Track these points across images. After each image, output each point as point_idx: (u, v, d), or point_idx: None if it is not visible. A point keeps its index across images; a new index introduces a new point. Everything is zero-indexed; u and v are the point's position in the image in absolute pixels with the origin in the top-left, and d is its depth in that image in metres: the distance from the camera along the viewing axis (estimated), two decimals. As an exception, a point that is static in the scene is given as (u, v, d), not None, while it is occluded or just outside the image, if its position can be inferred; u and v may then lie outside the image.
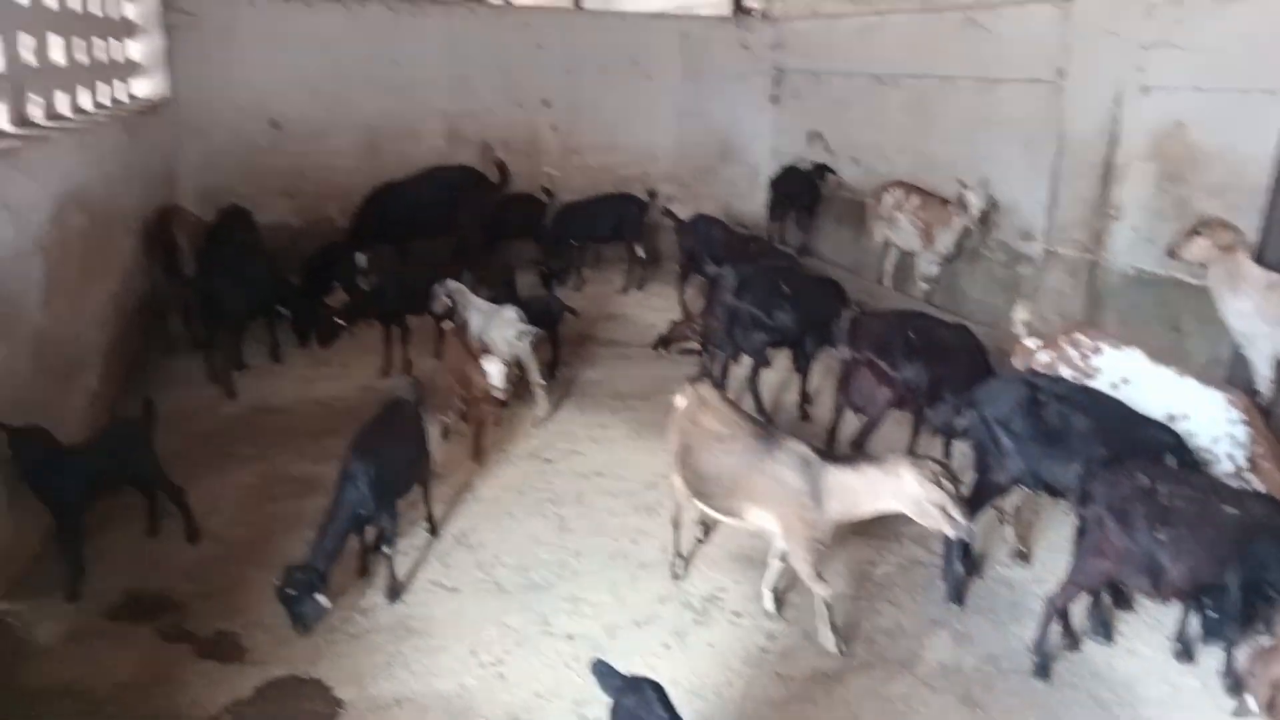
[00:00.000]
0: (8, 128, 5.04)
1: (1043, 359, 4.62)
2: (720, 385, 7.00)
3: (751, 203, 11.59)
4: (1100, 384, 4.43)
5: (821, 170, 9.60)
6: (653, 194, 10.08)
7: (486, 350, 5.77)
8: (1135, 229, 6.42)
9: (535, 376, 6.33)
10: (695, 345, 7.92)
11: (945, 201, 7.82)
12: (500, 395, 5.46)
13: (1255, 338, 4.93)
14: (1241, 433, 4.17)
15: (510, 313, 6.27)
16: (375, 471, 4.06)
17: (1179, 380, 4.33)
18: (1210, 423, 4.22)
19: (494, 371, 5.39)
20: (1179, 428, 4.23)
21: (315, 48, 9.52)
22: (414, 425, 4.65)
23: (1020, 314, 5.05)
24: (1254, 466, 4.17)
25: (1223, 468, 4.21)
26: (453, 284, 6.76)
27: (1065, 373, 4.50)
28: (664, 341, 8.07)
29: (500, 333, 6.18)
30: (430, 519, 4.88)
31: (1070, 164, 6.79)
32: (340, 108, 9.75)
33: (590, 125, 10.77)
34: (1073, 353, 4.53)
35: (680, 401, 4.54)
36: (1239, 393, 4.34)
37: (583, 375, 7.40)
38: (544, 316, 6.97)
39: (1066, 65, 6.81)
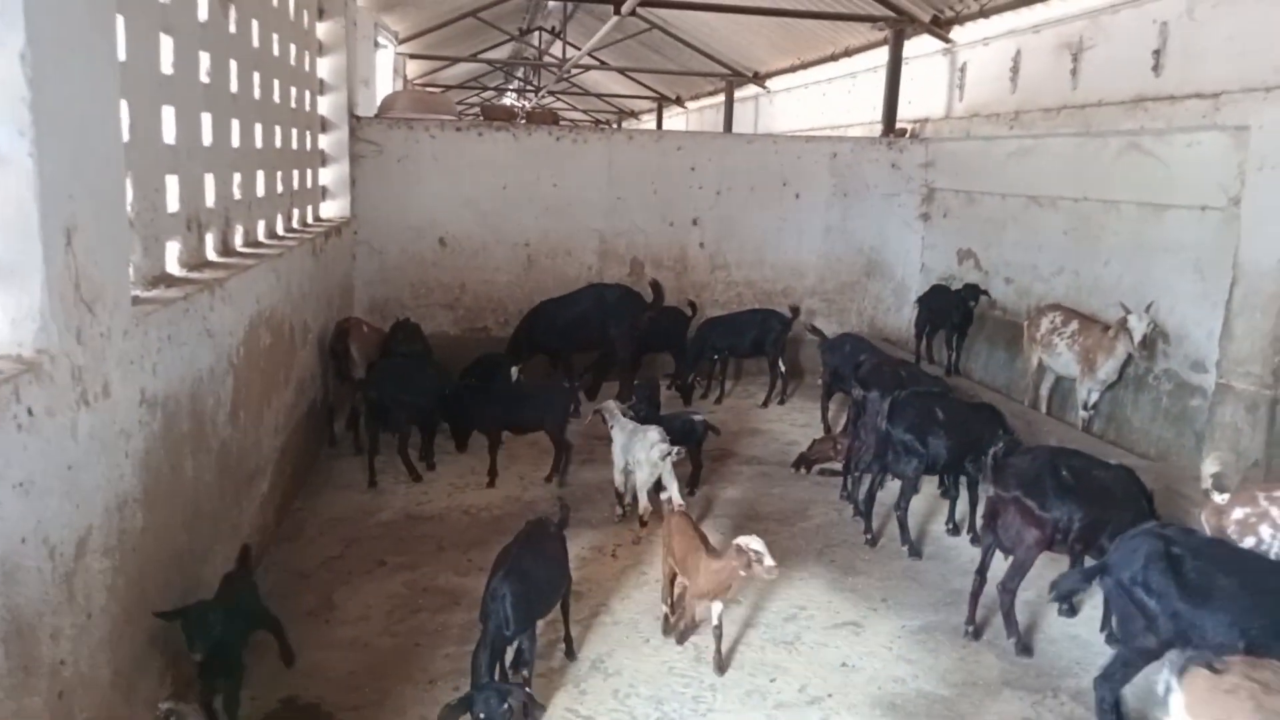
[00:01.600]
0: (214, 257, 5.62)
1: (1237, 516, 4.23)
2: (864, 511, 6.88)
3: (897, 318, 11.50)
4: (1308, 547, 4.03)
5: (974, 291, 9.41)
6: (795, 310, 10.13)
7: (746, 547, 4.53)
8: (1322, 366, 5.98)
9: (676, 497, 6.35)
10: (836, 466, 7.82)
11: (1106, 327, 7.50)
12: (770, 574, 4.48)
13: None
14: None
15: (654, 433, 6.37)
16: (518, 592, 4.16)
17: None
18: None
19: (763, 549, 4.45)
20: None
21: (484, 171, 10.22)
22: (557, 546, 4.74)
23: (1210, 466, 4.66)
24: None
25: None
26: (609, 404, 6.92)
27: (1265, 532, 4.10)
28: (805, 461, 8.01)
29: (645, 452, 6.28)
30: (568, 641, 4.92)
31: (1246, 294, 6.42)
32: (502, 226, 10.36)
33: (738, 242, 11.02)
34: (1275, 511, 4.13)
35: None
36: None
37: (722, 493, 7.38)
38: (687, 434, 7.06)
39: (1241, 193, 6.52)
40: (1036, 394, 8.52)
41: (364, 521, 6.58)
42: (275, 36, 7.19)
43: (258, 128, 6.67)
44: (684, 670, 4.84)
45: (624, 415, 6.80)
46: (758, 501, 7.23)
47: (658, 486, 6.34)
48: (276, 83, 7.22)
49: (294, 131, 7.93)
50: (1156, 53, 7.57)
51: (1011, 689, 4.72)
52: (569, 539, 6.10)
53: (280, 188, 7.42)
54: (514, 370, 8.39)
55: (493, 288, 10.41)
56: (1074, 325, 7.87)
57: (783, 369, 10.05)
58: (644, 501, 6.38)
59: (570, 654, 4.90)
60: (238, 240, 6.26)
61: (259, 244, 6.68)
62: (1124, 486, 5.17)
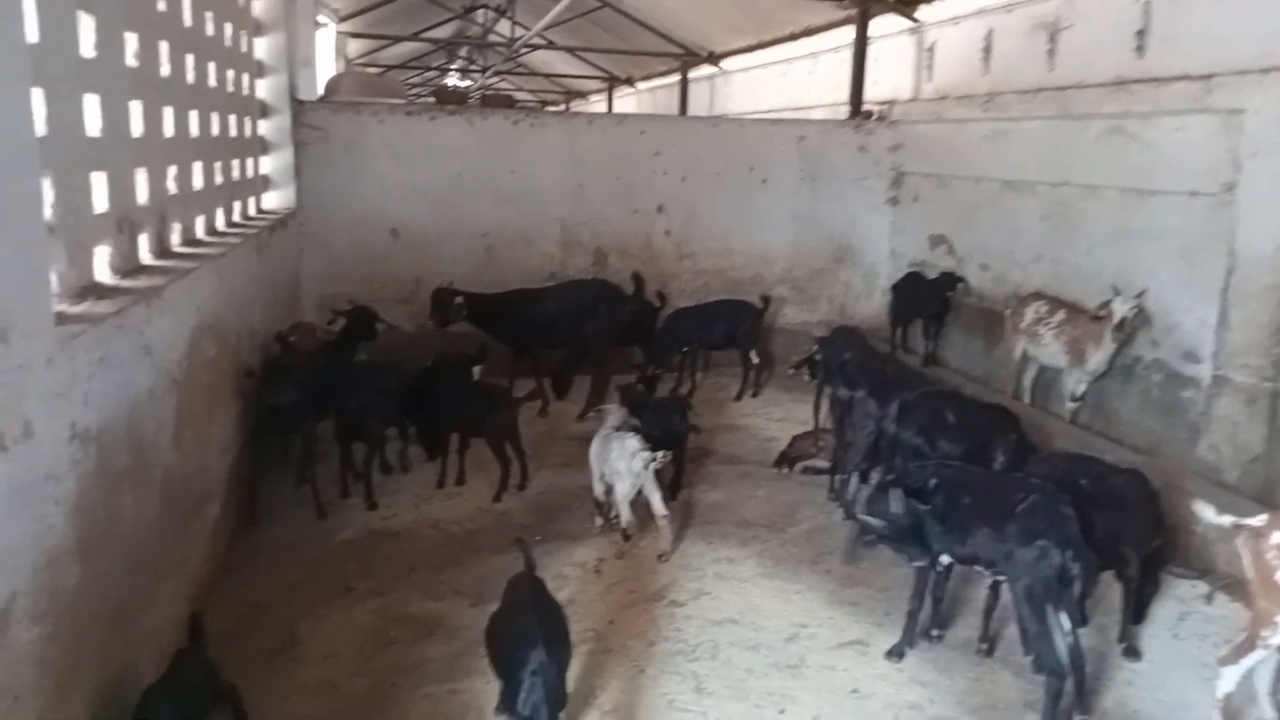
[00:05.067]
0: (149, 260, 5.06)
1: (1275, 541, 3.94)
2: (853, 513, 6.61)
3: (867, 304, 11.24)
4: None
5: (952, 280, 9.16)
6: (766, 299, 9.83)
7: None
8: (1326, 357, 5.80)
9: (658, 507, 5.97)
10: (820, 463, 7.51)
11: (1096, 317, 7.26)
12: None
13: None
14: None
15: (633, 440, 5.95)
16: (562, 661, 3.74)
17: None
18: None
19: None
20: None
21: (437, 159, 9.66)
22: (546, 592, 4.19)
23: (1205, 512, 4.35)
24: None
25: None
26: (612, 407, 6.47)
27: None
28: (787, 459, 7.68)
29: (625, 463, 5.87)
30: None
31: (1244, 284, 6.22)
32: (458, 216, 9.84)
33: (705, 229, 10.63)
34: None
35: None
36: None
37: (704, 497, 7.02)
38: (669, 437, 6.62)
39: (1236, 179, 6.30)
40: (1019, 385, 8.30)
41: (325, 541, 6.08)
42: (209, 15, 6.60)
43: (193, 115, 6.09)
44: (685, 703, 4.47)
45: (624, 420, 6.29)
46: (742, 506, 6.88)
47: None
48: (212, 65, 6.62)
49: (232, 118, 7.34)
50: (1140, 33, 7.32)
51: (1034, 711, 4.42)
52: (549, 553, 5.82)
53: (220, 179, 6.84)
54: (477, 370, 7.90)
55: (449, 281, 9.84)
56: (1060, 315, 7.64)
57: (755, 360, 9.72)
58: (626, 514, 5.97)
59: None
60: (175, 239, 5.70)
61: (198, 242, 6.11)
62: (1137, 491, 4.93)
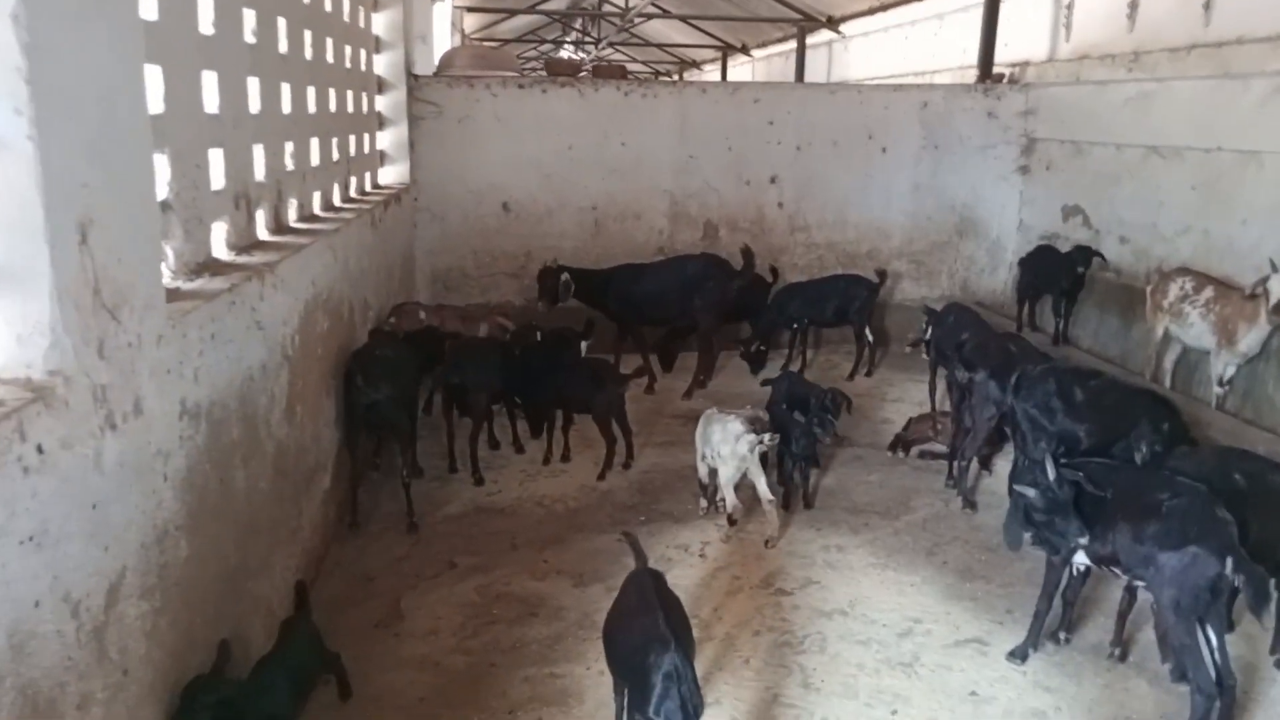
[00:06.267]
0: (266, 235, 5.15)
1: None
2: (971, 501, 6.30)
3: (991, 280, 10.71)
4: None
5: (1087, 254, 8.55)
6: (882, 274, 9.43)
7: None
8: None
9: (764, 491, 5.77)
10: (938, 447, 7.18)
11: (1251, 295, 6.65)
12: None
13: None
14: None
15: (736, 423, 5.76)
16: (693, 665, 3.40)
17: None
18: None
19: None
20: None
21: (548, 131, 9.60)
22: (666, 587, 3.90)
23: None
24: None
25: None
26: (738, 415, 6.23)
27: None
28: (902, 443, 7.37)
29: (729, 445, 5.69)
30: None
31: None
32: (568, 189, 9.77)
33: (819, 202, 10.27)
34: None
35: None
36: None
37: (814, 481, 6.78)
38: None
39: None
40: (1159, 367, 7.71)
41: (431, 515, 6.13)
42: (326, -10, 6.65)
43: (310, 91, 6.16)
44: (792, 698, 4.31)
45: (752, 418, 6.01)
46: (854, 491, 6.62)
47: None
48: (330, 41, 6.69)
49: (350, 93, 7.42)
50: (1316, -21, 6.62)
51: None
52: (651, 534, 5.72)
53: (336, 155, 6.93)
54: (584, 345, 7.84)
55: (559, 254, 9.73)
56: (1209, 292, 7.03)
57: (869, 339, 9.36)
58: (731, 498, 5.81)
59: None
60: (291, 215, 5.79)
61: (315, 218, 6.20)
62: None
